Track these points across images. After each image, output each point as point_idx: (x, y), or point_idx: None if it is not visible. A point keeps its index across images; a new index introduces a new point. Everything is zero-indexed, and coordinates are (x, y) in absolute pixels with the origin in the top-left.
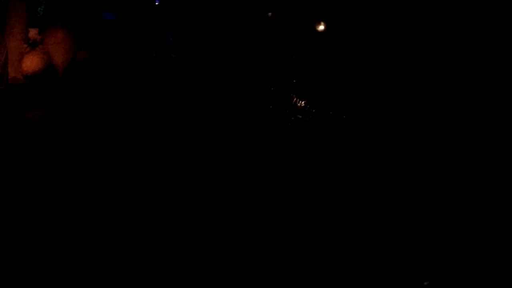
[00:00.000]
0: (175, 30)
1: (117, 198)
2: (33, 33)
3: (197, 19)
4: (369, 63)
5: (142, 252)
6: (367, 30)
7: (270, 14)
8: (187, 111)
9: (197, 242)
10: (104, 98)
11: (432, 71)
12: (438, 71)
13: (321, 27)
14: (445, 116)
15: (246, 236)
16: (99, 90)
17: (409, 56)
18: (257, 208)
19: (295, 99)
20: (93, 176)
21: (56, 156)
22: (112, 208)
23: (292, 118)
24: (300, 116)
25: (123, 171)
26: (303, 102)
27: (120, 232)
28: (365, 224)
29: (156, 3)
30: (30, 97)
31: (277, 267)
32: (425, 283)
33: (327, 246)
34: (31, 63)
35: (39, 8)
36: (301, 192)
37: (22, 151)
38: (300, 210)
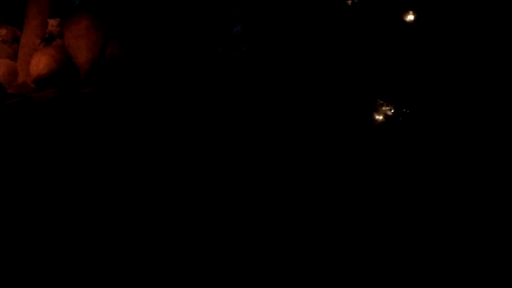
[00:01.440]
0: (246, 17)
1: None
2: (51, 24)
3: (272, 6)
4: (471, 61)
5: (142, 251)
6: (471, 20)
7: (349, 2)
8: (258, 120)
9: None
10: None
11: None
12: None
13: (411, 17)
14: None
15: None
16: (131, 81)
17: None
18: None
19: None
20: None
21: (56, 143)
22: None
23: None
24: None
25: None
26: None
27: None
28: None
29: None
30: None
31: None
32: None
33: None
34: (38, 63)
35: None
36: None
37: (22, 131)
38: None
